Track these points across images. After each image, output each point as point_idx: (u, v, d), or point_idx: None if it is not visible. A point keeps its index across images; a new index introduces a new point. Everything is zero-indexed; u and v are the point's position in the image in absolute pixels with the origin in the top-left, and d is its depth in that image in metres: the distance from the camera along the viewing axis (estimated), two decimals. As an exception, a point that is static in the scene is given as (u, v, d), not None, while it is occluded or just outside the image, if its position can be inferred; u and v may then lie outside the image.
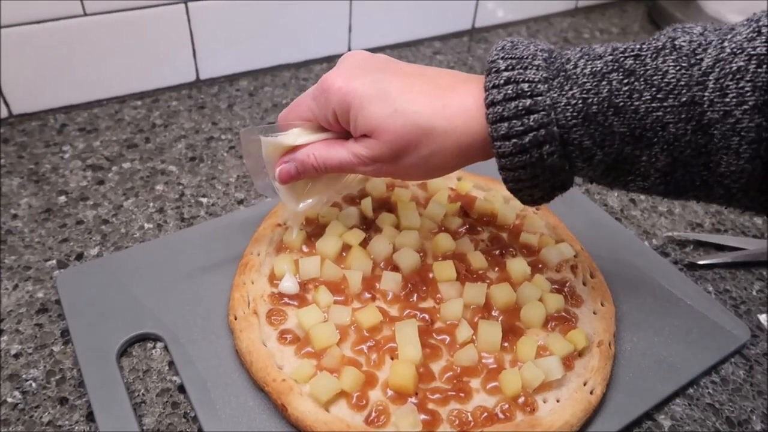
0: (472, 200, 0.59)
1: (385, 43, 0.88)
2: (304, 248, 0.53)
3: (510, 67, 0.39)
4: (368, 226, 0.56)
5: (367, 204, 0.57)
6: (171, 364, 0.47)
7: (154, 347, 0.48)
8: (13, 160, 0.65)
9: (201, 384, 0.45)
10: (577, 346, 0.47)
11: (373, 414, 0.43)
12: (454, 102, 0.41)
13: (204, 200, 0.62)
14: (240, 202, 0.63)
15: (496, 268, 0.53)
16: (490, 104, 0.39)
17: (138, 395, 0.45)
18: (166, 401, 0.45)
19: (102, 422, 0.42)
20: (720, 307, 0.53)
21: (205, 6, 0.73)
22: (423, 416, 0.42)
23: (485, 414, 0.43)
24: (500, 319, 0.49)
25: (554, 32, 0.97)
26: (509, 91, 0.38)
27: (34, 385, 0.46)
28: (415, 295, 0.50)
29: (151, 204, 0.62)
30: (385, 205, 0.58)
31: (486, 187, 0.61)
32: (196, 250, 0.55)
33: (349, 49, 0.86)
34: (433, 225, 0.56)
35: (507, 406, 0.43)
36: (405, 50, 0.89)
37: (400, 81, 0.42)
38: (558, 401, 0.44)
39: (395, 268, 0.52)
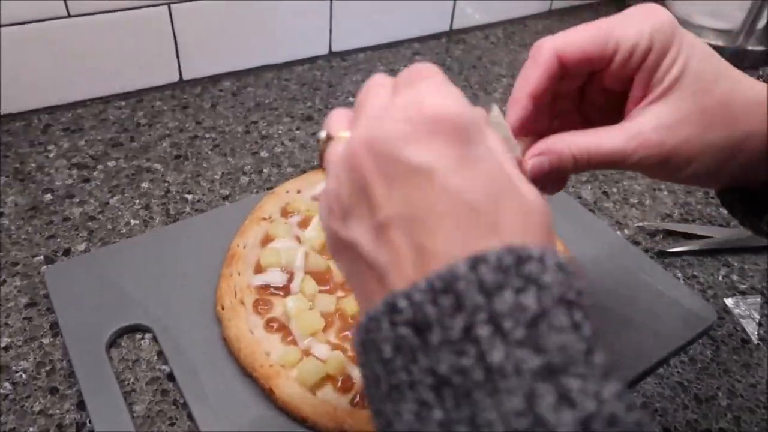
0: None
1: (364, 45, 0.90)
2: (292, 239, 0.55)
3: None
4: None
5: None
6: (160, 354, 0.48)
7: (142, 338, 0.49)
8: (-2, 159, 0.66)
9: (190, 372, 0.46)
10: (553, 329, 0.49)
11: (358, 396, 0.44)
12: None
13: (189, 197, 0.64)
14: (225, 198, 0.64)
15: (475, 258, 0.55)
16: None
17: (128, 384, 0.46)
18: (156, 389, 0.46)
19: (93, 410, 0.43)
20: (688, 292, 0.56)
21: (188, 7, 0.74)
22: (406, 397, 0.44)
23: (466, 394, 0.45)
24: (479, 305, 0.51)
25: (529, 34, 1.00)
26: None
27: (24, 376, 0.46)
28: (398, 283, 0.52)
29: (137, 201, 0.62)
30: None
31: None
32: (182, 244, 0.56)
33: (330, 50, 0.88)
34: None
35: (486, 386, 0.45)
36: (385, 51, 0.91)
37: None
38: (535, 381, 0.46)
39: (378, 259, 0.53)
